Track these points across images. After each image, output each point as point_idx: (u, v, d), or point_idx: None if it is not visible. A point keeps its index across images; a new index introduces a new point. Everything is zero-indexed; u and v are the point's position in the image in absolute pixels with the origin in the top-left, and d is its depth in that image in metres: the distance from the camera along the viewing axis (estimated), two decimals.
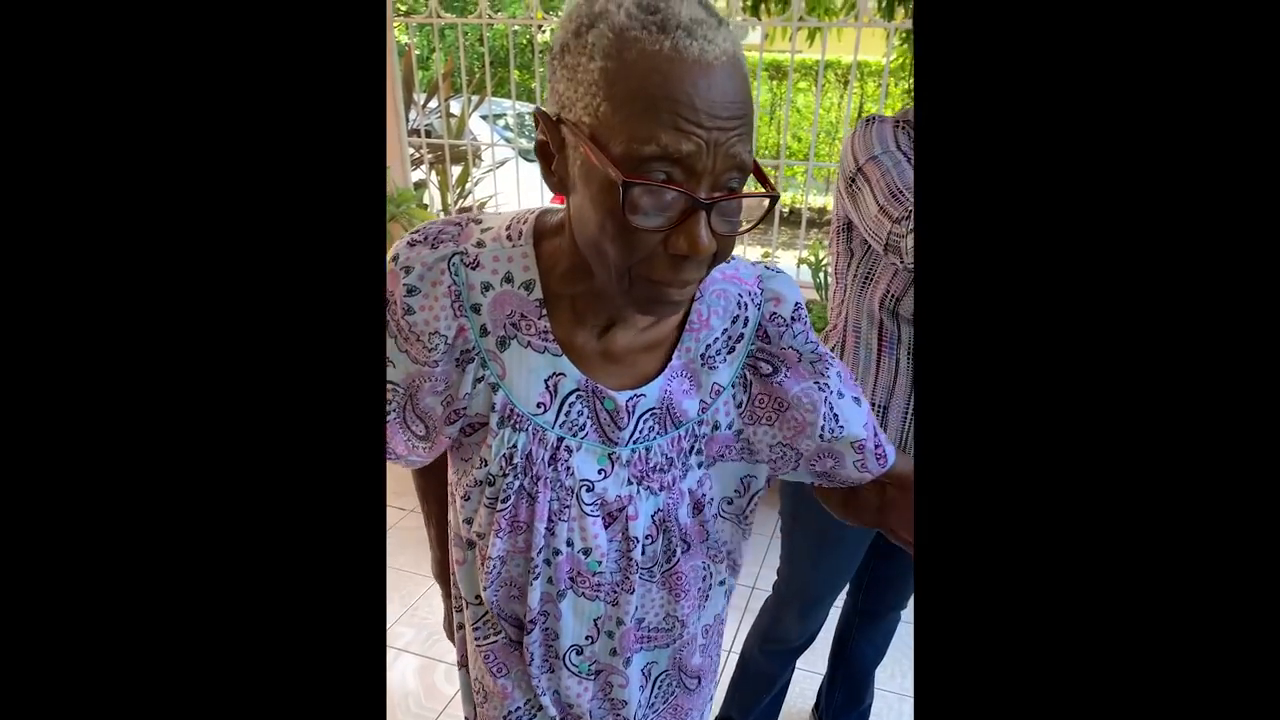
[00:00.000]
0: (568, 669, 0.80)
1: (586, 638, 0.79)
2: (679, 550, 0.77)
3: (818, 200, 6.02)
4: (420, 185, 3.49)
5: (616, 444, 0.71)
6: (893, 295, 1.23)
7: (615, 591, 0.76)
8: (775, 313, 0.73)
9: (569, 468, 0.71)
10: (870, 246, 1.24)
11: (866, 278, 1.26)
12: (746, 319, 0.73)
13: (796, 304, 0.74)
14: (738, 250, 1.83)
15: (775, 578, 1.59)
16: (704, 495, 0.76)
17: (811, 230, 5.17)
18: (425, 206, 3.06)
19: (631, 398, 0.71)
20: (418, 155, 3.61)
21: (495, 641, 0.81)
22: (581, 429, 0.71)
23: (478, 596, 0.80)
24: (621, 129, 0.52)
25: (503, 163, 3.41)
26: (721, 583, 0.84)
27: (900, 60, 4.63)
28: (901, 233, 1.09)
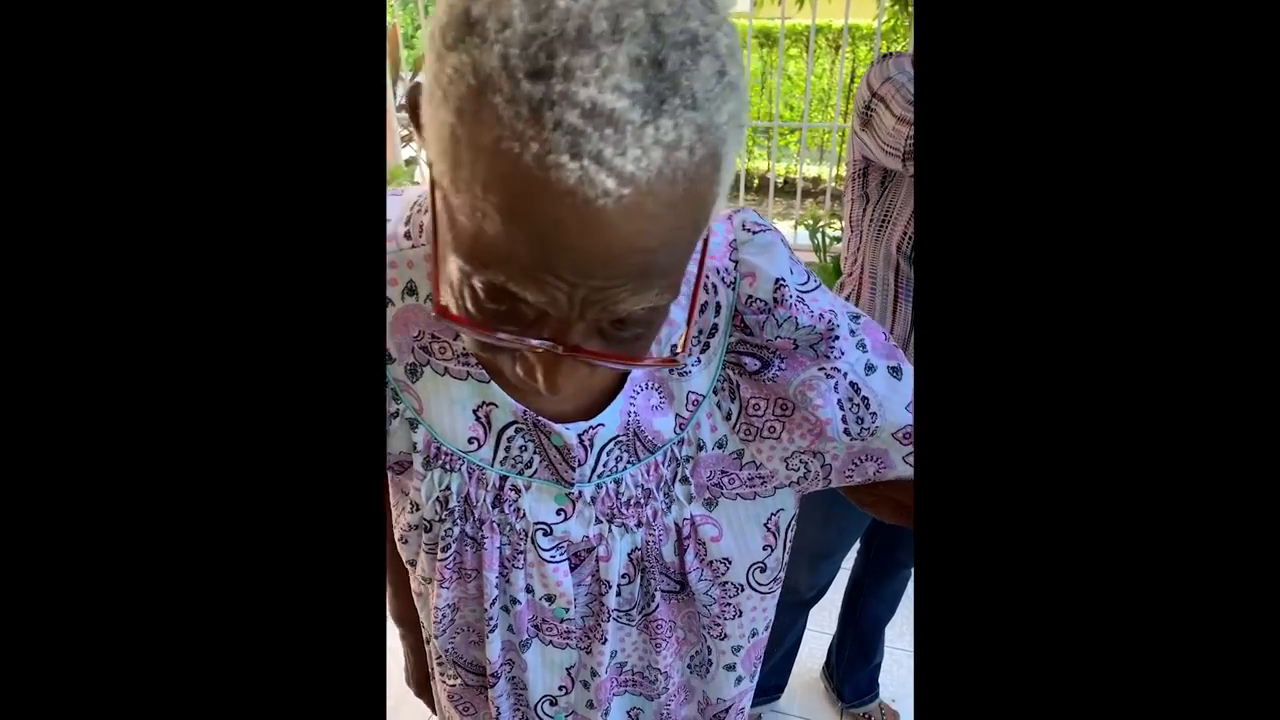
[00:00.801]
0: (542, 719, 0.70)
1: (560, 687, 0.68)
2: (658, 591, 0.63)
3: (811, 170, 5.98)
4: (411, 162, 3.45)
5: (573, 483, 0.58)
6: (910, 238, 1.22)
7: (589, 638, 0.64)
8: (751, 296, 0.54)
9: (518, 509, 0.58)
10: (887, 188, 1.24)
11: (884, 221, 1.25)
12: (718, 304, 0.54)
13: (777, 280, 0.53)
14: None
15: None
16: (693, 536, 0.61)
17: (806, 200, 5.13)
18: (418, 183, 3.03)
19: (586, 430, 0.56)
20: (407, 132, 3.57)
21: (455, 684, 0.73)
22: (529, 466, 0.58)
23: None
24: (465, 225, 0.36)
25: None
26: (729, 668, 0.70)
27: (891, 23, 4.58)
28: None
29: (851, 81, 5.27)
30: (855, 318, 0.57)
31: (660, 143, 0.33)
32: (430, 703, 0.89)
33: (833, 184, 3.52)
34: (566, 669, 0.67)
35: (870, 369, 0.57)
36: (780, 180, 5.43)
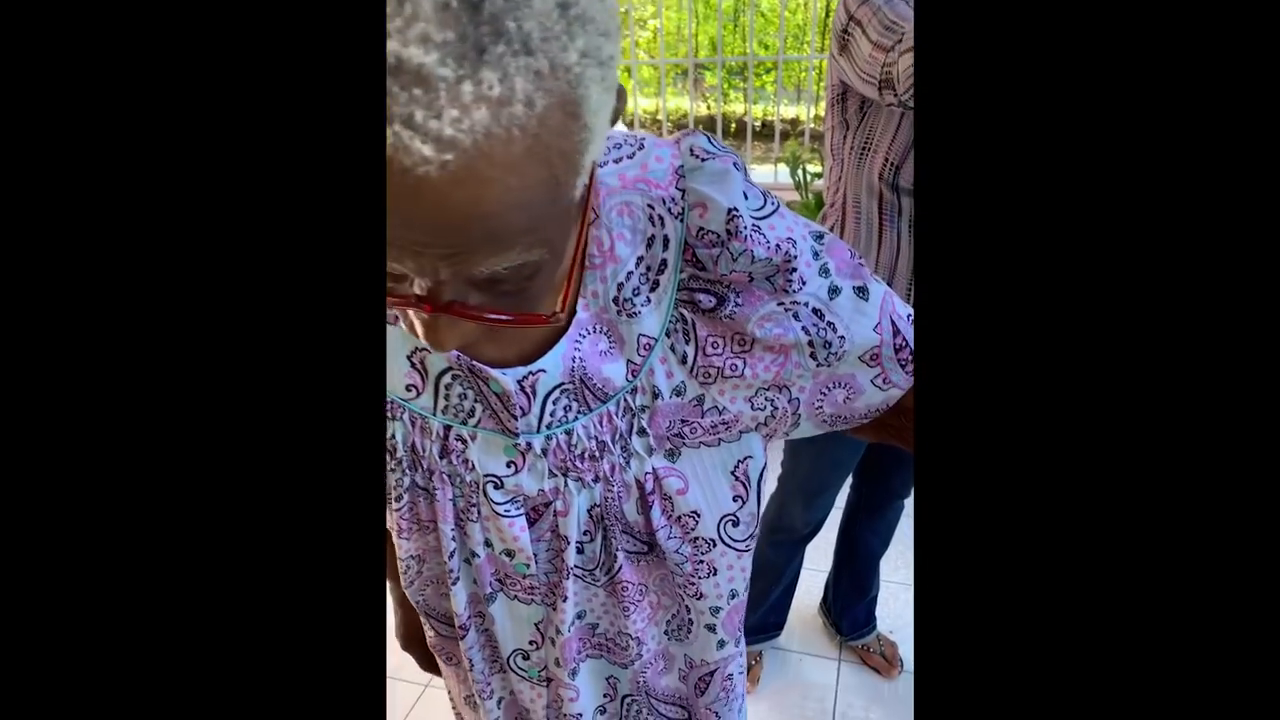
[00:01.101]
0: (516, 673, 0.69)
1: (530, 642, 0.66)
2: (621, 551, 0.60)
3: (789, 111, 5.88)
4: None
5: (518, 433, 0.55)
6: (891, 164, 1.20)
7: (553, 594, 0.63)
8: (702, 228, 0.50)
9: (467, 460, 0.56)
10: (866, 114, 1.20)
11: (864, 148, 1.22)
12: (666, 238, 0.51)
13: (730, 211, 0.49)
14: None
15: (779, 470, 1.58)
16: (657, 491, 0.58)
17: (785, 142, 5.05)
18: None
19: (526, 376, 0.52)
20: None
21: (432, 635, 0.73)
22: (471, 414, 0.55)
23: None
24: None
25: None
26: (710, 628, 0.67)
27: None
28: (894, 60, 1.04)
29: (826, 16, 5.15)
30: (819, 237, 0.54)
31: (485, 98, 0.29)
32: (418, 656, 0.88)
33: (811, 125, 3.46)
34: (535, 624, 0.65)
35: (835, 291, 0.53)
36: (758, 124, 5.34)
